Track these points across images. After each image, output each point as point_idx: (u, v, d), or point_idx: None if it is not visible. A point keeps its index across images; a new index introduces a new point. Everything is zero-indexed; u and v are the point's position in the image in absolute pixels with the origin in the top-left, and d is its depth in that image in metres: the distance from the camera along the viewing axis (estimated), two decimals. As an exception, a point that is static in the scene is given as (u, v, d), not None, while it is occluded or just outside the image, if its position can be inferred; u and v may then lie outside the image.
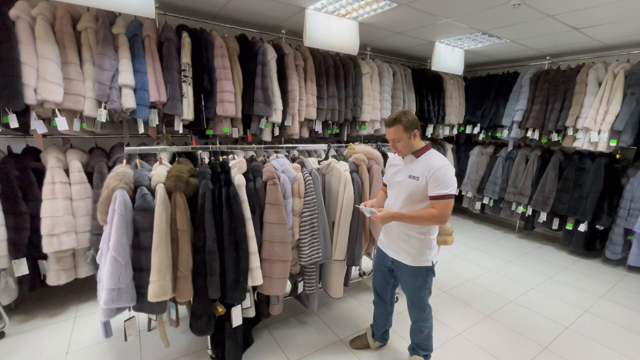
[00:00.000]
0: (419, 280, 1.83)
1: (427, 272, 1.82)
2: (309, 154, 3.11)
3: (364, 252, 2.51)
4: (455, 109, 4.73)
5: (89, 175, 2.40)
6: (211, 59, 2.74)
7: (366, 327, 2.34)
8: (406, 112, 1.73)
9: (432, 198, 1.65)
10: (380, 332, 2.20)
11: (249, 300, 1.94)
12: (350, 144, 2.51)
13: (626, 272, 3.53)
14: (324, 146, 2.50)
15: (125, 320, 1.81)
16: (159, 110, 2.58)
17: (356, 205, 2.11)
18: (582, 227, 3.70)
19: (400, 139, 1.72)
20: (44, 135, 2.43)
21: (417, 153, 1.75)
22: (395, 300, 2.17)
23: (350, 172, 2.21)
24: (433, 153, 1.75)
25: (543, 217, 4.02)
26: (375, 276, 2.12)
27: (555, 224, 3.99)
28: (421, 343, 1.99)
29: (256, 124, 3.01)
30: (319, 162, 2.36)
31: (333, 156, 2.39)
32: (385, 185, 2.01)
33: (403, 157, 1.82)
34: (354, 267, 2.78)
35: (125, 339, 1.82)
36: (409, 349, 2.07)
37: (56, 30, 2.17)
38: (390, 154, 1.97)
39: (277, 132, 3.24)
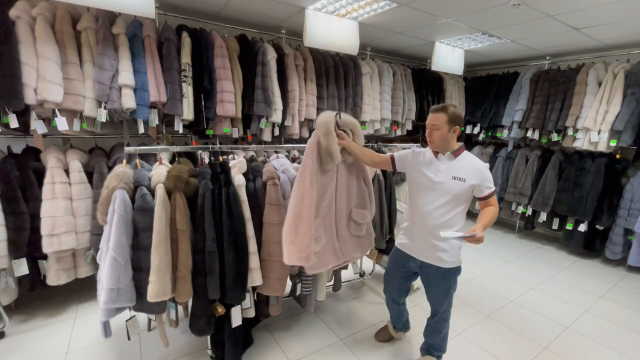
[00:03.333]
0: (451, 280, 1.84)
1: (458, 271, 1.84)
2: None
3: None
4: (455, 109, 4.73)
5: (89, 175, 2.40)
6: (211, 59, 2.74)
7: (374, 323, 2.35)
8: (456, 106, 1.75)
9: (487, 197, 1.69)
10: (400, 324, 2.22)
11: (248, 301, 1.94)
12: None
13: (626, 272, 3.53)
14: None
15: (127, 320, 1.82)
16: (159, 110, 2.59)
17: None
18: (582, 227, 3.69)
19: (440, 128, 1.66)
20: (44, 135, 2.43)
21: (456, 153, 1.72)
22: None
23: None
24: (469, 154, 1.75)
25: (543, 217, 4.02)
26: (393, 282, 2.05)
27: (555, 224, 3.99)
28: (437, 344, 1.97)
29: (256, 124, 3.01)
30: None
31: None
32: (393, 160, 1.92)
33: (436, 153, 1.75)
34: (351, 265, 2.75)
35: (129, 338, 1.83)
36: (421, 349, 2.06)
37: (56, 30, 2.17)
38: (415, 149, 1.89)
39: (277, 132, 3.24)
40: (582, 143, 3.63)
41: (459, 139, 1.77)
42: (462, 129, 4.88)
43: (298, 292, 2.24)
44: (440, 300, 1.88)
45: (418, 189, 1.82)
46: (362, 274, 3.22)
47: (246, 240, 1.80)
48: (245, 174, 1.89)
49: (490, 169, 4.44)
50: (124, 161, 1.76)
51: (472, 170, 1.67)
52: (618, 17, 2.80)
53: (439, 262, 1.78)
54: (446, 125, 1.66)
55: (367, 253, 2.23)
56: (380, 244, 2.48)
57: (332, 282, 2.63)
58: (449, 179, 1.69)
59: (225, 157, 2.12)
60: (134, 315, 1.81)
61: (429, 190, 1.75)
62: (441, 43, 3.81)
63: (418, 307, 2.68)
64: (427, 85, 4.42)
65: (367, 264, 3.31)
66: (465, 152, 1.74)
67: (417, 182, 1.82)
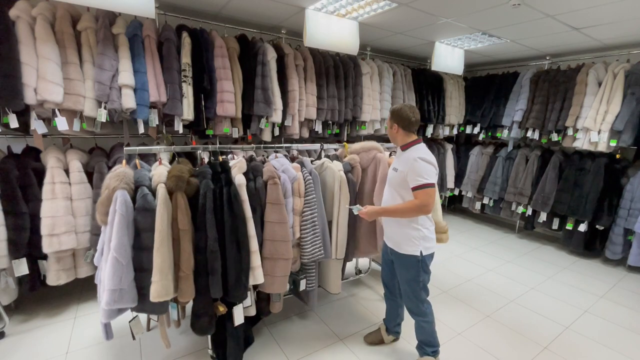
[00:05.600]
0: (411, 271, 1.85)
1: (417, 264, 1.82)
2: (309, 154, 3.11)
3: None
4: (455, 109, 4.73)
5: (89, 175, 2.40)
6: (211, 59, 2.74)
7: (374, 323, 2.36)
8: (405, 105, 1.82)
9: (413, 189, 1.71)
10: (392, 325, 2.23)
11: (249, 299, 1.94)
12: (345, 143, 2.49)
13: (626, 272, 3.54)
14: (326, 146, 2.50)
15: (130, 321, 1.81)
16: (159, 110, 2.58)
17: (346, 206, 2.18)
18: (582, 227, 3.70)
19: (387, 125, 1.91)
20: (44, 135, 2.43)
21: (404, 147, 1.84)
22: None
23: (346, 173, 2.21)
24: (417, 148, 1.80)
25: (543, 217, 4.02)
26: (382, 268, 2.17)
27: (555, 224, 4.00)
28: (426, 340, 2.00)
29: (256, 124, 3.01)
30: (312, 162, 2.35)
31: (326, 156, 2.40)
32: None
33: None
34: (348, 263, 2.77)
35: (134, 338, 1.83)
36: (417, 348, 2.07)
37: (56, 30, 2.17)
38: None
39: (277, 132, 3.24)
40: (582, 143, 3.63)
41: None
42: (462, 129, 4.91)
43: (302, 287, 2.25)
44: (404, 290, 1.95)
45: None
46: (358, 272, 3.22)
47: (248, 240, 1.80)
48: (245, 174, 1.89)
49: (490, 168, 4.57)
50: (124, 161, 1.76)
51: (405, 160, 1.76)
52: (618, 17, 2.80)
53: (395, 246, 1.89)
54: (389, 122, 1.89)
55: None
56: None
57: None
58: (392, 169, 1.88)
59: (224, 157, 2.12)
60: (137, 315, 1.81)
61: (387, 180, 1.97)
62: (441, 43, 3.81)
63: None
64: (427, 85, 4.42)
65: (364, 261, 3.32)
66: (415, 146, 1.81)
67: None
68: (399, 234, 1.86)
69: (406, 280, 1.90)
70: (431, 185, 1.68)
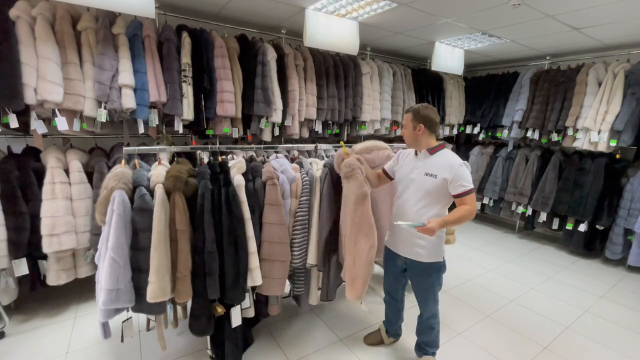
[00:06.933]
0: (433, 276, 1.85)
1: (440, 268, 1.84)
2: (309, 154, 3.11)
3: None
4: (455, 109, 4.73)
5: (89, 175, 2.40)
6: (211, 59, 2.74)
7: (374, 323, 2.35)
8: (428, 106, 1.78)
9: (460, 195, 1.67)
10: (393, 328, 2.22)
11: (248, 300, 1.94)
12: (342, 142, 2.24)
13: (626, 272, 3.53)
14: (323, 146, 2.49)
15: (123, 322, 1.81)
16: (159, 110, 2.59)
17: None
18: (582, 227, 3.69)
19: (406, 127, 1.81)
20: (44, 135, 2.43)
21: (432, 150, 1.78)
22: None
23: (323, 172, 2.10)
24: (448, 152, 1.77)
25: (543, 217, 4.01)
26: (387, 278, 2.12)
27: (555, 224, 3.99)
28: (431, 341, 1.99)
29: (256, 124, 3.02)
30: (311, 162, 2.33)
31: (320, 156, 2.38)
32: (385, 171, 2.02)
33: (417, 152, 1.84)
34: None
35: (122, 340, 1.80)
36: (416, 350, 2.06)
37: (56, 30, 2.17)
38: (402, 150, 1.99)
39: (277, 132, 3.24)
40: (582, 143, 3.63)
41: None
42: (462, 129, 4.91)
43: (291, 293, 2.21)
44: (424, 297, 1.92)
45: (398, 187, 1.92)
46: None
47: (246, 241, 1.79)
48: (244, 174, 1.89)
49: (490, 168, 4.57)
50: (123, 161, 1.75)
51: (445, 166, 1.70)
52: (618, 17, 2.80)
53: (418, 257, 1.83)
54: (410, 123, 1.78)
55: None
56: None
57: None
58: (422, 175, 1.76)
59: (224, 157, 2.12)
60: (130, 317, 1.81)
61: (405, 187, 1.85)
62: (441, 43, 3.81)
63: (416, 307, 2.67)
64: (427, 85, 4.42)
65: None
66: (445, 150, 1.78)
67: (398, 180, 1.93)
68: (423, 244, 1.79)
69: (429, 286, 1.87)
70: (473, 189, 1.70)
